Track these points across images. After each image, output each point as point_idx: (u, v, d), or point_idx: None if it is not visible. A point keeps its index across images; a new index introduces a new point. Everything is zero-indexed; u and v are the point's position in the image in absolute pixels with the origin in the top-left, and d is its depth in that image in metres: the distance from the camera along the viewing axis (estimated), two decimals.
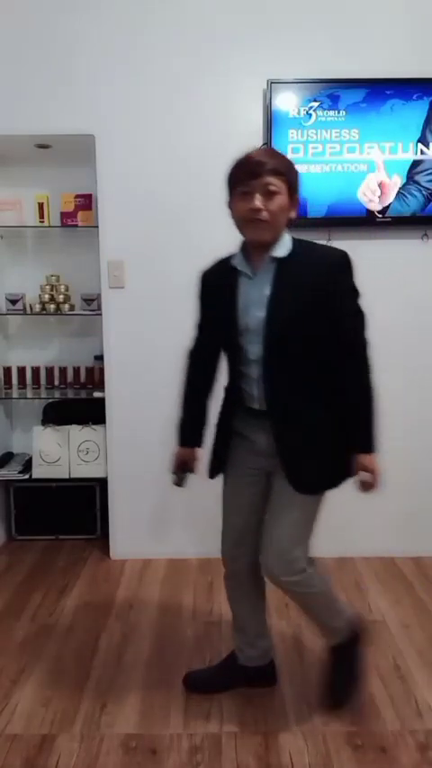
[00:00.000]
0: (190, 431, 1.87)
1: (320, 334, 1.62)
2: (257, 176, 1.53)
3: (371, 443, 1.67)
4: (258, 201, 1.54)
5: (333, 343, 1.64)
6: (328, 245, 1.69)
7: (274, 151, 1.63)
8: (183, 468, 1.88)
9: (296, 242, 1.64)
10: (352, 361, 1.66)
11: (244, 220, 1.58)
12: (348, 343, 1.66)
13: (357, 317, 1.67)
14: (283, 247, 1.62)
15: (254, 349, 1.64)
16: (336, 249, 1.64)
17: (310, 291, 1.59)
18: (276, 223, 1.58)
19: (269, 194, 1.54)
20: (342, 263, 1.62)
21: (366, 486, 1.71)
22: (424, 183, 2.66)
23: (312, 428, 1.67)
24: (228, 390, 1.80)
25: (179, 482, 1.88)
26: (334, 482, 1.74)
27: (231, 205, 1.63)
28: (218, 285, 1.71)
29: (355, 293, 1.66)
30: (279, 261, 1.62)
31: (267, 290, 1.61)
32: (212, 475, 1.83)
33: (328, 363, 1.66)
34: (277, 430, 1.68)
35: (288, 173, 1.57)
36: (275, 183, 1.54)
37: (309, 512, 1.75)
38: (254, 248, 1.64)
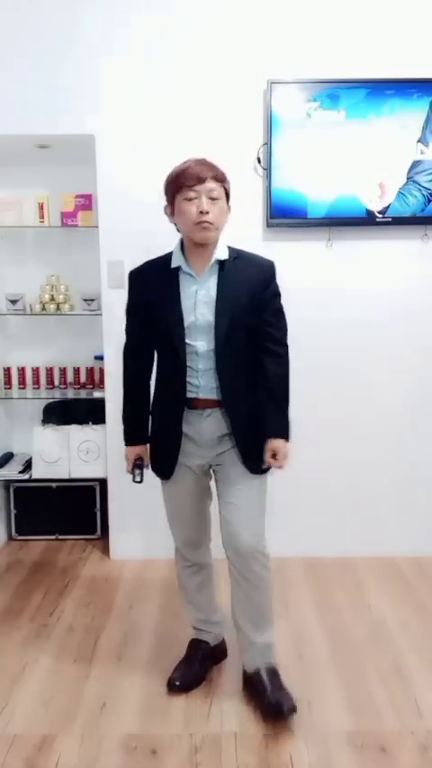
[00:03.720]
0: (141, 429, 1.94)
1: (255, 329, 1.80)
2: (203, 182, 1.69)
3: (286, 429, 1.84)
4: (206, 204, 1.69)
5: (260, 336, 1.82)
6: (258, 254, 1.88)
7: (210, 161, 1.76)
8: (139, 466, 1.93)
9: (229, 247, 1.82)
10: (276, 354, 1.84)
11: (192, 223, 1.71)
12: (275, 337, 1.84)
13: (281, 316, 1.86)
14: (222, 250, 1.79)
15: (201, 344, 1.77)
16: (265, 258, 1.86)
17: (249, 292, 1.78)
18: (219, 225, 1.74)
19: (212, 199, 1.71)
20: (273, 271, 1.85)
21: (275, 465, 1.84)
22: (424, 183, 2.66)
23: (254, 413, 1.84)
24: (166, 386, 1.87)
25: (141, 479, 1.92)
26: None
27: (175, 210, 1.75)
28: (158, 285, 1.81)
29: (279, 296, 1.86)
30: (221, 263, 1.79)
31: (213, 290, 1.77)
32: (169, 475, 1.89)
33: (256, 355, 1.84)
34: (230, 415, 1.81)
35: (225, 181, 1.75)
36: (217, 189, 1.71)
37: (263, 492, 1.91)
38: (195, 249, 1.78)
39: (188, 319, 1.77)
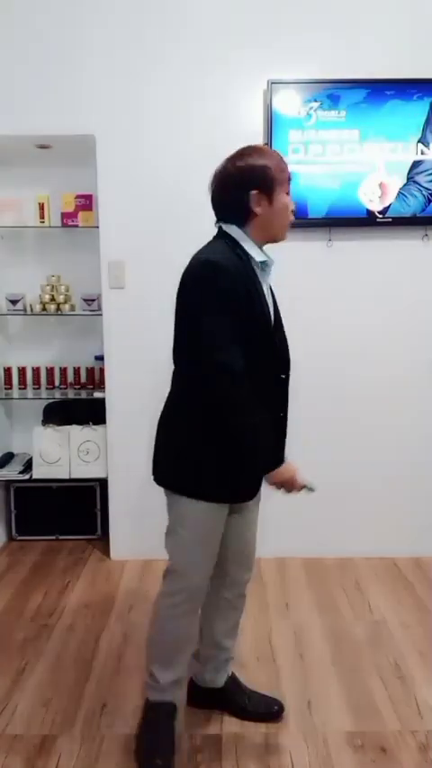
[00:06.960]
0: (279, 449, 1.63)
1: None
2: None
3: None
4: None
5: None
6: None
7: None
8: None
9: None
10: None
11: (287, 220, 1.58)
12: None
13: None
14: None
15: (278, 346, 1.61)
16: None
17: None
18: None
19: None
20: None
21: None
22: (424, 184, 2.66)
23: None
24: (260, 396, 1.50)
25: (312, 487, 1.59)
26: None
27: (273, 201, 1.53)
28: (245, 277, 1.50)
29: None
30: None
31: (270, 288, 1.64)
32: (252, 496, 1.66)
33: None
34: (282, 432, 1.65)
35: None
36: None
37: None
38: (262, 245, 1.60)
39: (271, 318, 1.59)
